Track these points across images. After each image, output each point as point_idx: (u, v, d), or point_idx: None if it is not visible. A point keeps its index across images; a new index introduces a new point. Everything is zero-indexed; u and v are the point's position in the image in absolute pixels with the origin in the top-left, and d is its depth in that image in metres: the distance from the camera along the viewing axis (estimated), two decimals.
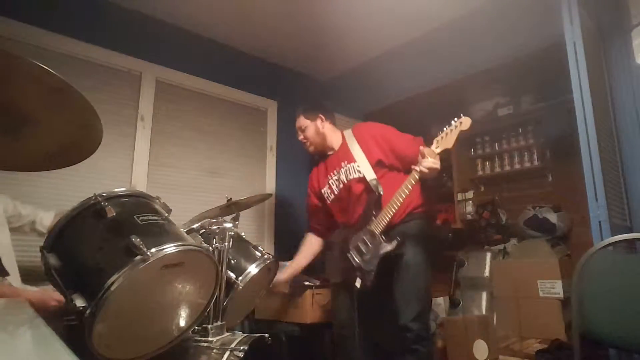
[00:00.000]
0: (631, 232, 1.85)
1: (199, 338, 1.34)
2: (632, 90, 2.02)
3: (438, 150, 1.69)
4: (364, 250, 1.88)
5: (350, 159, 2.02)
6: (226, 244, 1.45)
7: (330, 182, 2.12)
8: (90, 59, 2.50)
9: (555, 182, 3.43)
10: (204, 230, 1.50)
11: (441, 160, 1.73)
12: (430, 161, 1.66)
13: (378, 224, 1.84)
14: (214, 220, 1.51)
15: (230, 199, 1.86)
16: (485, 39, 2.63)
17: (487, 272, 2.99)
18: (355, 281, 1.85)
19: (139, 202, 1.15)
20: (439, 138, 1.71)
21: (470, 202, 3.83)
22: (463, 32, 2.77)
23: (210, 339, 1.33)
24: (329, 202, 2.14)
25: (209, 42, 3.05)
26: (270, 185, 3.21)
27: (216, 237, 1.45)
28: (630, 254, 1.69)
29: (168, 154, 2.74)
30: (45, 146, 0.92)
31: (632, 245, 1.75)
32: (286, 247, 3.13)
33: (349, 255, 1.92)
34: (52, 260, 1.00)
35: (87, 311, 0.92)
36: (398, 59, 3.12)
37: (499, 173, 3.74)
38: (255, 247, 1.68)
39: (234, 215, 1.70)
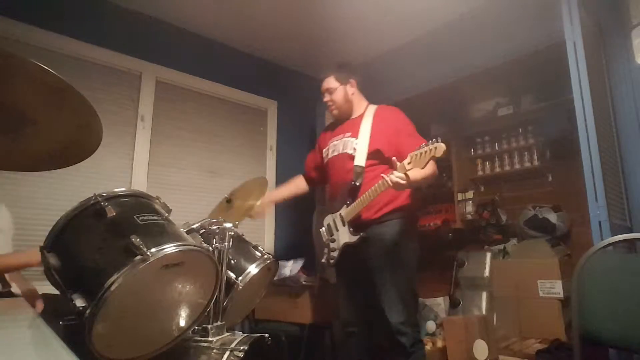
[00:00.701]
0: (631, 232, 1.85)
1: (199, 338, 1.34)
2: (632, 90, 2.02)
3: (409, 167, 1.57)
4: (332, 231, 1.92)
5: (355, 133, 1.96)
6: (226, 243, 1.45)
7: (330, 144, 2.08)
8: (90, 59, 2.50)
9: (555, 182, 3.43)
10: (204, 230, 1.50)
11: (439, 161, 1.61)
12: (396, 175, 1.59)
13: (349, 213, 1.84)
14: (214, 220, 1.51)
15: (230, 198, 1.86)
16: (485, 39, 2.63)
17: (487, 272, 2.99)
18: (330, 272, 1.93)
19: (139, 202, 1.15)
20: (414, 154, 1.55)
21: (470, 202, 3.83)
22: (463, 32, 2.77)
23: (210, 339, 1.33)
24: (324, 162, 2.14)
25: (209, 42, 3.05)
26: (270, 185, 3.21)
27: (216, 237, 1.45)
28: (630, 254, 1.70)
29: (168, 154, 2.75)
30: (45, 146, 0.92)
31: (632, 245, 1.75)
32: (286, 247, 3.13)
33: (320, 230, 1.98)
34: (52, 260, 0.99)
35: (87, 311, 0.92)
36: (398, 59, 3.12)
37: (499, 173, 3.74)
38: (255, 247, 1.68)
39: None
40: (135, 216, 1.07)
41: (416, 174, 1.60)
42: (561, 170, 3.35)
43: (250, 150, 3.20)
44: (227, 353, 1.26)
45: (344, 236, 1.87)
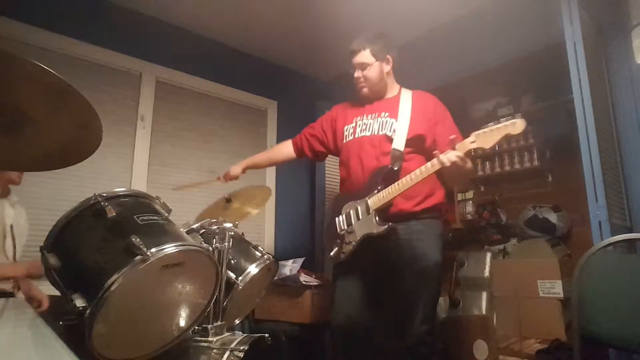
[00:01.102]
0: (631, 232, 1.85)
1: (199, 338, 1.34)
2: (632, 90, 2.02)
3: (473, 146, 1.42)
4: (352, 220, 1.67)
5: (394, 114, 1.72)
6: (226, 243, 1.45)
7: (358, 121, 1.80)
8: (90, 59, 2.50)
9: (555, 182, 3.43)
10: (204, 230, 1.50)
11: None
12: (454, 154, 1.42)
13: (377, 200, 1.60)
14: (214, 220, 1.52)
15: (230, 198, 1.86)
16: (485, 39, 2.63)
17: (487, 272, 2.98)
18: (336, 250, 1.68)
19: (139, 202, 1.15)
20: (479, 132, 1.42)
21: (470, 202, 3.83)
22: (463, 32, 2.77)
23: (210, 339, 1.33)
24: (343, 142, 1.84)
25: (209, 42, 3.05)
26: (270, 184, 3.21)
27: (216, 237, 1.46)
28: (630, 254, 1.70)
29: (168, 154, 2.75)
30: (45, 146, 0.92)
31: (632, 245, 1.75)
32: (286, 247, 3.13)
33: (337, 219, 1.74)
34: (52, 260, 1.00)
35: (87, 311, 0.92)
36: (398, 59, 3.11)
37: (499, 173, 3.73)
38: (255, 247, 1.68)
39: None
40: (135, 216, 1.07)
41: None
42: (561, 170, 3.35)
43: (250, 150, 3.19)
44: (227, 353, 1.26)
45: (366, 226, 1.61)
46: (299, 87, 3.55)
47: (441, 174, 1.61)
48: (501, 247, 3.23)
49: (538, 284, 2.64)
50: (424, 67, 2.93)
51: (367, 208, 1.62)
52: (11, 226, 1.65)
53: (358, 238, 1.62)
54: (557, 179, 3.43)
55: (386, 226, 1.57)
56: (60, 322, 0.97)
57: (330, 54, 3.25)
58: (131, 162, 2.57)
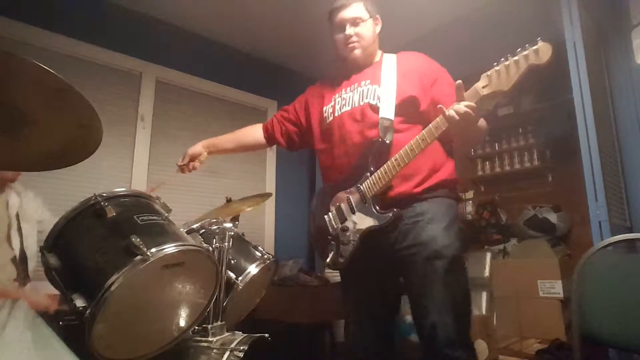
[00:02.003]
0: (631, 232, 1.85)
1: (199, 338, 1.34)
2: (632, 90, 2.02)
3: (486, 91, 1.16)
4: (345, 214, 1.37)
5: (375, 81, 1.44)
6: (226, 243, 1.45)
7: (337, 98, 1.52)
8: (90, 59, 2.50)
9: (555, 182, 3.43)
10: (204, 230, 1.50)
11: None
12: (464, 104, 1.15)
13: (372, 185, 1.31)
14: (214, 220, 1.51)
15: (230, 198, 1.86)
16: (485, 39, 2.63)
17: (487, 272, 2.98)
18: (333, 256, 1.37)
19: (139, 202, 1.15)
20: (489, 72, 1.17)
21: (470, 202, 3.83)
22: (463, 32, 2.77)
23: (210, 339, 1.33)
24: (324, 125, 1.54)
25: (209, 42, 3.05)
26: (270, 185, 3.21)
27: (216, 237, 1.45)
28: (630, 254, 1.69)
29: (168, 154, 2.74)
30: (45, 146, 0.92)
31: (632, 245, 1.75)
32: (286, 247, 3.13)
33: (326, 217, 1.44)
34: (52, 260, 1.00)
35: (87, 311, 0.92)
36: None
37: (499, 173, 3.73)
38: (255, 247, 1.68)
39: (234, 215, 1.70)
40: (135, 216, 1.07)
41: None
42: (561, 170, 3.35)
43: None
44: (227, 353, 1.25)
45: (365, 219, 1.31)
46: (299, 87, 3.53)
47: (447, 140, 1.36)
48: (501, 247, 3.23)
49: (538, 284, 2.64)
50: None
51: (362, 196, 1.33)
52: (17, 214, 1.65)
53: (358, 235, 1.32)
54: (557, 179, 3.43)
55: (390, 214, 1.27)
56: (60, 322, 0.97)
57: (330, 54, 3.24)
58: (131, 162, 2.57)
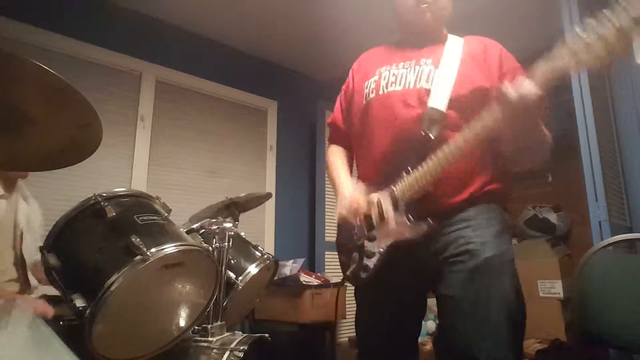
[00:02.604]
0: (631, 232, 1.85)
1: (199, 338, 1.34)
2: (632, 90, 2.02)
3: (567, 67, 0.86)
4: (374, 221, 1.13)
5: (436, 62, 1.17)
6: (226, 243, 1.45)
7: (384, 72, 1.22)
8: (90, 59, 2.50)
9: (555, 182, 3.43)
10: (203, 230, 1.50)
11: None
12: (527, 84, 0.88)
13: (406, 188, 1.07)
14: (214, 220, 1.52)
15: (230, 198, 1.86)
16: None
17: None
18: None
19: (139, 202, 1.16)
20: (568, 44, 0.86)
21: None
22: (463, 32, 2.76)
23: (210, 339, 1.33)
24: (361, 104, 1.25)
25: (209, 42, 3.05)
26: (270, 185, 3.21)
27: (216, 237, 1.46)
28: (630, 254, 1.69)
29: (168, 154, 2.74)
30: (45, 146, 0.92)
31: (632, 245, 1.75)
32: (286, 247, 3.13)
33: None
34: (52, 260, 1.00)
35: (87, 311, 0.92)
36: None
37: None
38: (255, 247, 1.68)
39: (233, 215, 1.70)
40: (135, 216, 1.07)
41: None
42: (561, 170, 3.34)
43: (250, 150, 3.19)
44: (227, 353, 1.26)
45: (394, 228, 1.08)
46: (299, 87, 3.55)
47: (498, 138, 1.05)
48: None
49: (538, 284, 2.64)
50: None
51: (395, 201, 1.09)
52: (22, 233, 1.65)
53: (384, 247, 1.10)
54: (557, 179, 3.43)
55: (424, 225, 1.04)
56: (61, 322, 0.97)
57: (330, 54, 3.25)
58: (131, 162, 2.57)
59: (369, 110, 1.22)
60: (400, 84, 1.18)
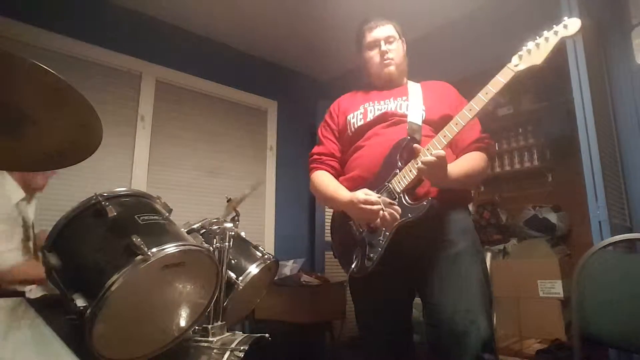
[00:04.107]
0: (631, 232, 1.85)
1: (199, 338, 1.34)
2: (632, 90, 2.02)
3: (520, 68, 1.26)
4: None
5: (407, 98, 1.47)
6: (227, 243, 1.45)
7: (368, 107, 1.49)
8: (90, 59, 2.50)
9: (555, 182, 3.43)
10: (204, 230, 1.50)
11: None
12: (434, 153, 1.17)
13: (401, 179, 1.27)
14: (214, 220, 1.52)
15: (230, 199, 1.86)
16: (484, 39, 2.63)
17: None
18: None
19: (139, 202, 1.15)
20: (520, 52, 1.25)
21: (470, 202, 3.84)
22: (463, 32, 2.77)
23: (210, 339, 1.33)
24: (350, 131, 1.49)
25: (208, 42, 3.05)
26: (270, 185, 3.21)
27: (217, 237, 1.45)
28: (630, 254, 1.69)
29: (168, 154, 2.75)
30: (45, 146, 0.92)
31: (632, 245, 1.75)
32: (286, 247, 3.13)
33: (350, 222, 1.36)
34: (53, 260, 1.00)
35: (88, 311, 0.92)
36: None
37: (499, 173, 3.73)
38: (256, 247, 1.68)
39: (234, 215, 1.70)
40: (136, 216, 1.07)
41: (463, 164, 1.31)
42: (561, 170, 3.35)
43: (250, 150, 3.20)
44: (228, 353, 1.26)
45: (397, 214, 1.22)
46: (299, 87, 3.55)
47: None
48: (501, 247, 3.24)
49: (538, 284, 2.64)
50: (424, 68, 2.92)
51: (391, 192, 1.27)
52: (32, 225, 1.67)
53: (388, 233, 1.24)
54: (557, 179, 3.43)
55: (424, 203, 1.21)
56: (67, 317, 0.97)
57: (330, 54, 3.25)
58: (131, 162, 2.57)
59: (359, 133, 1.47)
60: (382, 110, 1.46)
